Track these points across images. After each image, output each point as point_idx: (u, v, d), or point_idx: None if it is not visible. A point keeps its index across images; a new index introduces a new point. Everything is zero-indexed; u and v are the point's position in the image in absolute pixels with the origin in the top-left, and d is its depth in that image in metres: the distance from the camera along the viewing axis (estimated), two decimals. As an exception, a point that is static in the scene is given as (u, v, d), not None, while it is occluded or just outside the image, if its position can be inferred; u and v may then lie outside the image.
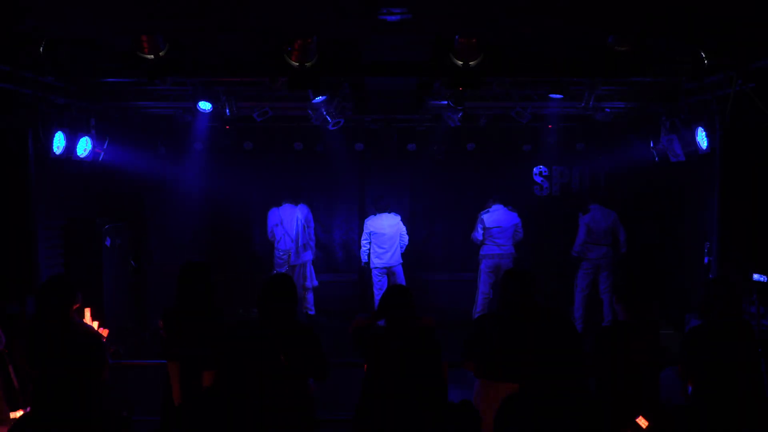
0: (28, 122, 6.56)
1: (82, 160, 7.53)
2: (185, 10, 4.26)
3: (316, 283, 9.71)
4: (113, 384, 4.59)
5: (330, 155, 10.05)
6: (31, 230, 6.68)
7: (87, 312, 5.42)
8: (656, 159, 8.33)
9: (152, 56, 5.03)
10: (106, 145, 7.90)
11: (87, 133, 7.48)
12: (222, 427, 4.19)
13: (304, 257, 9.48)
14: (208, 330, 4.47)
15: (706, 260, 7.39)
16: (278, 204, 9.46)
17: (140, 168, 9.29)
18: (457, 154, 10.03)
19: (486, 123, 9.20)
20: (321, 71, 5.47)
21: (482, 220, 9.11)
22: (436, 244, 10.51)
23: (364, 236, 9.37)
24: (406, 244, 9.41)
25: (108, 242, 8.17)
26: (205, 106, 7.46)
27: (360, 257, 9.49)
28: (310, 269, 9.62)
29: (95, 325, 5.40)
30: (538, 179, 10.43)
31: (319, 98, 7.30)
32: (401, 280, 9.34)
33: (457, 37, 4.96)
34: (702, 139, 6.95)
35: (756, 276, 6.19)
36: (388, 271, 9.35)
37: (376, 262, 9.30)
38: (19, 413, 4.27)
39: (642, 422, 3.67)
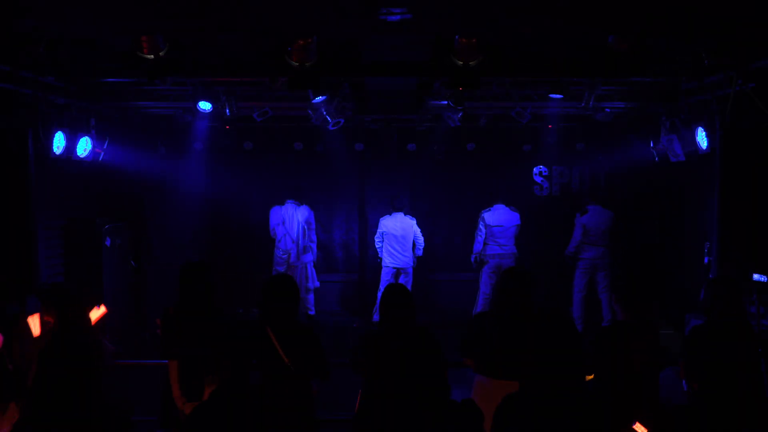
0: (28, 122, 6.56)
1: (82, 160, 7.53)
2: (185, 10, 4.26)
3: (317, 284, 9.72)
4: (113, 384, 4.59)
5: (330, 155, 10.06)
6: (31, 230, 6.68)
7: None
8: (656, 159, 8.33)
9: (152, 56, 5.02)
10: (106, 145, 7.90)
11: (87, 133, 7.48)
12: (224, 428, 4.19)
13: (304, 258, 9.48)
14: (208, 330, 4.47)
15: (706, 260, 7.39)
16: (281, 203, 9.47)
17: (140, 168, 9.29)
18: (457, 154, 10.04)
19: (486, 123, 9.20)
20: (321, 71, 5.47)
21: (483, 218, 9.12)
22: (437, 244, 10.50)
23: (377, 235, 9.42)
24: (422, 246, 9.45)
25: (108, 242, 8.17)
26: (205, 106, 7.46)
27: (377, 254, 9.55)
28: (311, 270, 9.63)
29: (94, 313, 5.34)
30: (538, 179, 10.43)
31: (319, 98, 7.30)
32: (410, 281, 9.35)
33: (457, 37, 4.96)
34: (702, 139, 6.95)
35: (756, 276, 6.19)
36: (399, 272, 9.37)
37: (387, 261, 9.35)
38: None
39: (640, 429, 3.67)
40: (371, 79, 7.25)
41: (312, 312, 9.61)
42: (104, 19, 4.58)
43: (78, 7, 4.23)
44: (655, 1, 4.20)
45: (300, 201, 9.47)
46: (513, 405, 2.71)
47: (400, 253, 9.29)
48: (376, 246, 9.47)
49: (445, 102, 7.74)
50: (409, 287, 9.23)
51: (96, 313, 5.20)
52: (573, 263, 9.21)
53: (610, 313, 8.86)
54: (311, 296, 9.62)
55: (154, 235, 10.11)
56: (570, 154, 10.10)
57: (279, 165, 10.17)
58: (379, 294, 9.27)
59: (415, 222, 9.41)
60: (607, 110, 8.21)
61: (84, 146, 7.44)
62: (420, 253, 9.47)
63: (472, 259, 9.28)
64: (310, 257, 9.57)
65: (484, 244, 9.19)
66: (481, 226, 9.14)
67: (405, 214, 9.39)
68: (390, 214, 9.37)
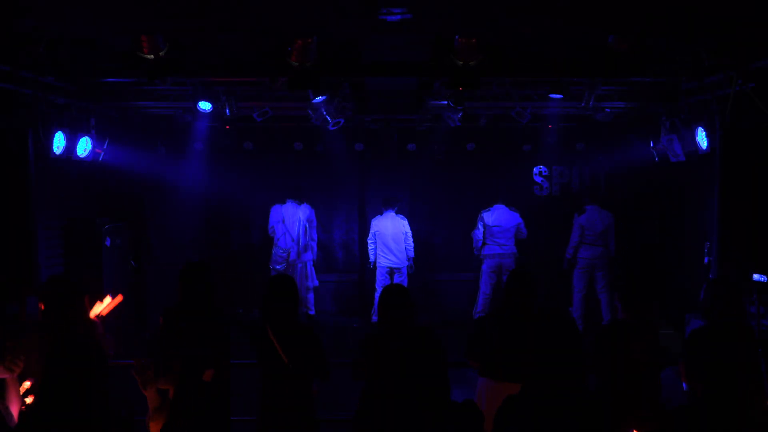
0: (28, 122, 6.56)
1: (82, 160, 7.53)
2: (185, 10, 4.26)
3: (316, 283, 9.72)
4: (113, 384, 4.57)
5: (330, 155, 10.06)
6: (31, 230, 6.68)
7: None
8: (656, 159, 8.33)
9: (152, 56, 5.02)
10: (106, 145, 7.89)
11: (87, 133, 7.48)
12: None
13: (305, 257, 9.48)
14: (208, 330, 4.47)
15: (706, 260, 7.39)
16: (282, 201, 9.47)
17: (140, 168, 9.29)
18: (457, 154, 10.04)
19: (486, 123, 9.20)
20: (321, 71, 5.47)
21: (482, 218, 9.14)
22: (437, 244, 10.51)
23: (370, 236, 9.43)
24: (412, 246, 9.49)
25: (108, 242, 8.17)
26: (205, 106, 7.45)
27: (368, 257, 9.58)
28: (311, 269, 9.63)
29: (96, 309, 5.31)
30: (538, 179, 10.43)
31: (319, 98, 7.30)
32: (404, 280, 9.36)
33: (457, 37, 4.95)
34: (702, 139, 6.95)
35: (756, 276, 6.18)
36: (394, 271, 9.37)
37: (381, 261, 9.37)
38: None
39: None
40: (371, 79, 7.25)
41: (312, 312, 9.62)
42: (104, 19, 4.58)
43: (78, 7, 4.23)
44: (655, 1, 4.20)
45: (300, 200, 9.47)
46: (514, 405, 2.71)
47: (393, 253, 9.30)
48: (369, 248, 9.44)
49: (445, 102, 7.74)
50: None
51: (101, 306, 5.17)
52: (571, 266, 9.21)
53: (609, 313, 8.87)
54: (311, 295, 9.62)
55: (154, 235, 10.12)
56: (570, 154, 10.11)
57: (279, 165, 10.17)
58: (377, 295, 9.28)
59: (406, 222, 9.41)
60: (607, 110, 8.21)
61: (84, 146, 7.43)
62: (411, 253, 9.47)
63: (476, 253, 9.31)
64: (310, 256, 9.57)
65: (484, 243, 9.21)
66: (479, 226, 9.16)
67: (396, 214, 9.39)
68: (381, 214, 9.38)
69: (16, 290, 6.25)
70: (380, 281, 9.41)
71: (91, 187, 8.63)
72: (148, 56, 5.02)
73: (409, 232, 9.43)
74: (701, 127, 6.92)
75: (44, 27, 4.87)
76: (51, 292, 4.30)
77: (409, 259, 9.48)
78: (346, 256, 10.64)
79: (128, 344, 8.11)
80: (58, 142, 6.88)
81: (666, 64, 6.45)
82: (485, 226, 9.12)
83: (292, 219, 9.36)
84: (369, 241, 9.47)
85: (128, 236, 8.88)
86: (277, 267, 9.39)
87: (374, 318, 9.04)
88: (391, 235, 9.29)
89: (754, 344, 4.24)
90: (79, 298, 4.43)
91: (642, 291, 4.33)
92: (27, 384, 4.31)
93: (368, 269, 9.95)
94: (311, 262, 9.62)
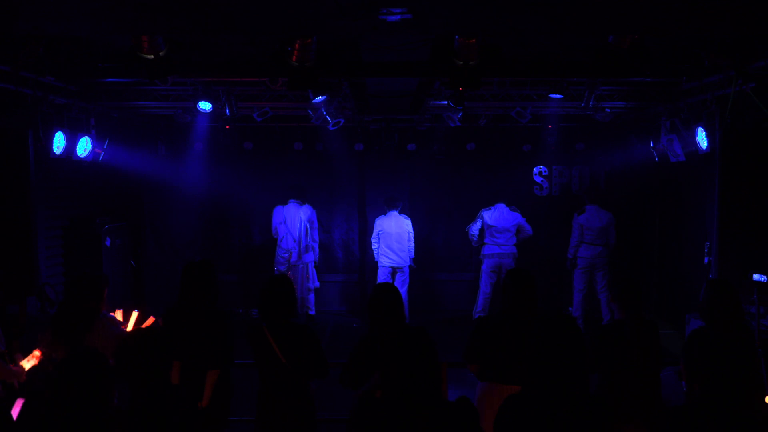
0: (28, 122, 6.56)
1: (82, 160, 7.53)
2: (185, 10, 4.26)
3: (317, 284, 9.72)
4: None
5: (330, 155, 10.07)
6: (31, 230, 6.68)
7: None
8: (656, 159, 8.33)
9: (152, 56, 5.02)
10: (106, 145, 7.90)
11: (87, 133, 7.49)
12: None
13: (306, 258, 9.48)
14: (209, 329, 4.47)
15: (706, 260, 7.39)
16: (284, 202, 9.48)
17: (140, 168, 9.30)
18: (456, 154, 10.05)
19: (486, 123, 9.20)
20: (321, 71, 5.46)
21: (482, 216, 9.14)
22: (437, 244, 10.52)
23: (374, 236, 9.42)
24: (413, 245, 9.48)
25: (108, 242, 8.17)
26: (205, 106, 7.46)
27: (374, 256, 9.55)
28: (312, 270, 9.63)
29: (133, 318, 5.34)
30: (538, 179, 10.43)
31: (319, 98, 7.30)
32: (406, 280, 9.36)
33: (457, 37, 4.95)
34: (702, 139, 6.95)
35: (756, 276, 6.18)
36: (396, 271, 9.38)
37: (383, 261, 9.36)
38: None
39: None
40: (371, 79, 7.25)
41: (312, 312, 9.62)
42: (104, 18, 4.58)
43: (78, 6, 4.23)
44: (655, 1, 4.20)
45: (303, 201, 9.47)
46: (515, 405, 2.70)
47: (396, 252, 9.30)
48: (373, 247, 9.44)
49: (445, 102, 7.75)
50: (405, 286, 9.28)
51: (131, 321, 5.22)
52: (573, 267, 9.20)
53: (609, 313, 8.87)
54: (312, 296, 9.62)
55: (153, 235, 10.12)
56: (570, 154, 10.11)
57: (279, 165, 10.18)
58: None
59: (410, 221, 9.42)
60: (607, 110, 8.21)
61: (84, 146, 7.44)
62: (412, 253, 9.48)
63: (474, 245, 9.37)
64: (311, 257, 9.57)
65: (482, 242, 9.21)
66: (477, 222, 9.16)
67: (399, 213, 9.39)
68: (385, 214, 9.38)
69: (16, 290, 6.25)
70: (381, 281, 9.41)
71: (91, 187, 8.64)
72: (148, 56, 5.02)
73: (412, 231, 9.43)
74: (701, 127, 6.93)
75: (44, 27, 4.87)
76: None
77: (410, 259, 9.49)
78: (346, 256, 10.64)
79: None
80: (58, 142, 6.88)
81: (666, 64, 6.45)
82: (484, 224, 9.12)
83: (294, 220, 9.36)
84: (372, 241, 9.47)
85: (128, 236, 8.89)
86: (281, 268, 9.40)
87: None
88: (394, 235, 9.29)
89: (753, 345, 4.25)
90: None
91: (634, 288, 4.33)
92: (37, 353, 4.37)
93: (368, 269, 9.95)
94: (313, 264, 9.62)
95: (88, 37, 5.81)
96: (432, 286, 10.42)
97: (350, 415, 3.99)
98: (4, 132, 6.53)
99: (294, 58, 5.23)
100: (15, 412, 4.11)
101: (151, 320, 5.13)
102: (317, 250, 9.71)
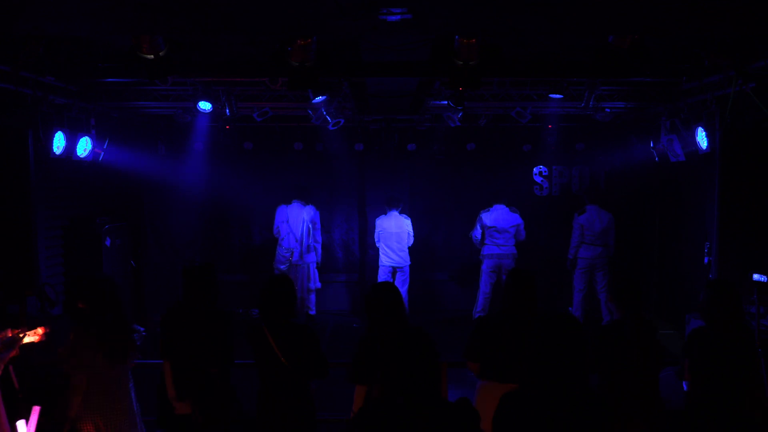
0: (28, 122, 6.56)
1: (82, 160, 7.53)
2: (185, 10, 4.26)
3: (319, 285, 9.73)
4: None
5: (330, 155, 10.07)
6: (31, 230, 6.67)
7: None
8: (656, 159, 8.33)
9: (152, 56, 5.02)
10: (106, 145, 7.89)
11: (87, 133, 7.48)
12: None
13: (308, 258, 9.48)
14: (209, 329, 4.47)
15: (706, 260, 7.39)
16: (285, 202, 9.48)
17: (140, 168, 9.29)
18: (456, 154, 10.05)
19: (486, 123, 9.20)
20: (321, 71, 5.46)
21: (481, 218, 9.15)
22: (436, 244, 10.52)
23: (375, 235, 9.44)
24: (411, 246, 9.47)
25: (108, 242, 8.17)
26: (205, 106, 7.46)
27: (374, 257, 9.60)
28: (314, 271, 9.63)
29: None
30: (538, 179, 10.43)
31: (319, 98, 7.30)
32: (407, 279, 9.37)
33: (457, 37, 4.95)
34: (702, 139, 6.95)
35: (756, 276, 6.18)
36: (396, 270, 9.39)
37: (384, 260, 9.38)
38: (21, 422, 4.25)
39: None
40: (371, 79, 7.25)
41: (313, 312, 9.62)
42: (104, 18, 4.57)
43: (78, 6, 4.23)
44: (655, 1, 4.20)
45: (306, 201, 9.48)
46: (513, 404, 2.70)
47: (396, 252, 9.31)
48: (377, 246, 9.49)
49: (445, 102, 7.75)
50: (406, 285, 9.29)
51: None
52: (573, 268, 9.21)
53: (609, 313, 8.87)
54: (312, 296, 9.63)
55: (153, 235, 10.12)
56: (570, 154, 10.11)
57: (279, 165, 10.18)
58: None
59: (410, 221, 9.44)
60: (607, 110, 8.21)
61: (84, 146, 7.44)
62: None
63: (478, 248, 9.35)
64: (313, 257, 9.57)
65: (483, 243, 9.22)
66: (477, 227, 9.18)
67: (400, 213, 9.40)
68: (385, 214, 9.39)
69: (16, 290, 6.25)
70: (382, 280, 9.41)
71: (91, 187, 8.63)
72: (148, 56, 5.01)
73: (411, 231, 9.44)
74: (701, 127, 6.93)
75: (44, 27, 4.87)
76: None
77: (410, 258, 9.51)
78: (346, 256, 10.65)
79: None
80: (58, 142, 6.88)
81: (666, 64, 6.45)
82: (483, 226, 9.14)
83: (297, 220, 9.37)
84: (376, 241, 9.49)
85: (128, 236, 8.88)
86: (281, 267, 9.40)
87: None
88: (394, 235, 9.30)
89: (753, 345, 4.24)
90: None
91: (632, 288, 4.33)
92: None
93: (368, 269, 9.95)
94: (314, 264, 9.62)
95: (88, 37, 5.80)
96: (432, 286, 10.43)
97: (351, 416, 3.99)
98: (4, 132, 6.53)
99: (294, 58, 5.23)
100: (33, 420, 4.10)
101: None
102: (320, 251, 9.71)
